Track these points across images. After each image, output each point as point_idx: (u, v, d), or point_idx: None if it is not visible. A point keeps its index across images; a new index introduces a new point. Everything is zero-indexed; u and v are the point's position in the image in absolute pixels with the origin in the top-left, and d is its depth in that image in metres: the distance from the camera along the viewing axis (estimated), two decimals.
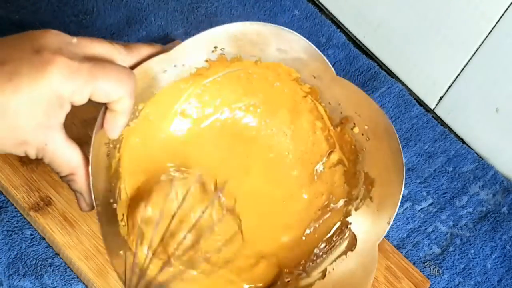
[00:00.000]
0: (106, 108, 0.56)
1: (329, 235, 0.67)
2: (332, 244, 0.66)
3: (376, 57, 0.96)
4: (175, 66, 0.62)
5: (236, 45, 0.63)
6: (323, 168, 0.69)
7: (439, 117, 0.93)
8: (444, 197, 0.85)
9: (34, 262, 0.67)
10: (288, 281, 0.65)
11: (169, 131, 0.68)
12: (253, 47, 0.63)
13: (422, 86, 0.93)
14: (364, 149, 0.66)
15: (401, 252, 0.79)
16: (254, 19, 0.94)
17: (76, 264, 0.66)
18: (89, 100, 0.55)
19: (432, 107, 0.93)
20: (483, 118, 0.89)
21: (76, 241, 0.67)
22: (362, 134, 0.66)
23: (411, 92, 0.94)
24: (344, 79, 0.65)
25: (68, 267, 0.67)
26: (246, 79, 0.68)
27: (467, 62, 0.87)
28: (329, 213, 0.68)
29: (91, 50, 0.54)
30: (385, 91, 0.92)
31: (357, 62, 0.94)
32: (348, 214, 0.67)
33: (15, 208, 0.69)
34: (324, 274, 0.65)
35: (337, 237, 0.66)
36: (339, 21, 0.97)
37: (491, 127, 0.88)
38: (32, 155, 0.54)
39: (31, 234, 0.68)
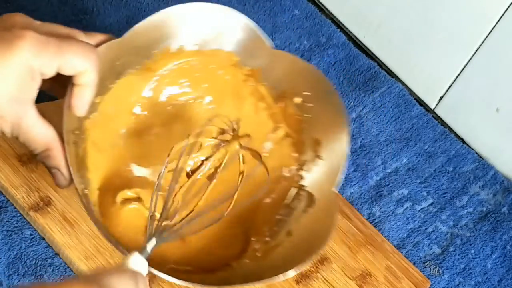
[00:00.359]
0: (73, 85, 0.59)
1: (287, 201, 0.69)
2: (292, 207, 0.69)
3: (376, 57, 0.96)
4: (126, 56, 0.65)
5: (178, 31, 0.66)
6: (272, 145, 0.71)
7: (439, 117, 0.93)
8: (444, 197, 0.85)
9: (34, 262, 0.67)
10: (258, 248, 0.67)
11: (127, 125, 0.69)
12: (194, 31, 0.67)
13: (422, 86, 0.93)
14: (308, 115, 0.69)
15: (401, 252, 0.79)
16: (254, 19, 0.93)
17: (76, 264, 0.66)
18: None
19: (432, 107, 0.93)
20: (483, 118, 0.88)
21: (76, 241, 0.67)
22: (305, 102, 0.68)
23: (411, 92, 0.94)
24: (280, 51, 0.68)
25: (68, 267, 0.67)
26: (190, 70, 0.70)
27: (467, 62, 0.87)
28: (283, 182, 0.70)
29: (55, 30, 0.58)
30: (385, 91, 0.92)
31: (357, 62, 0.94)
32: (301, 178, 0.69)
33: (15, 208, 0.69)
34: (289, 233, 0.67)
35: (295, 200, 0.69)
36: (339, 21, 0.97)
37: (491, 127, 0.88)
38: (8, 132, 0.56)
39: (31, 234, 0.68)
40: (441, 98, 0.92)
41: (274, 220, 0.69)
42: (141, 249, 0.57)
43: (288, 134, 0.70)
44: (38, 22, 0.57)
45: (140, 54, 0.66)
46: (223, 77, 0.70)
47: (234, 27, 0.68)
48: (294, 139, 0.70)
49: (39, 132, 0.58)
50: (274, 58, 0.68)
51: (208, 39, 0.68)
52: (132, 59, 0.66)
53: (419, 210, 0.83)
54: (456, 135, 0.92)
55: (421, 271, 0.78)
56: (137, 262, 0.54)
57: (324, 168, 0.68)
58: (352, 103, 0.90)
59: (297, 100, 0.69)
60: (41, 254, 0.67)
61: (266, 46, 0.68)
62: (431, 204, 0.84)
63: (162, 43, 0.66)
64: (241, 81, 0.70)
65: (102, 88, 0.64)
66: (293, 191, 0.70)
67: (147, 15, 0.88)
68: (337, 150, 0.67)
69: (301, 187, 0.69)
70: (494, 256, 0.82)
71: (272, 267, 0.63)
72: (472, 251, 0.82)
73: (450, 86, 0.90)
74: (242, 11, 0.93)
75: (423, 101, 0.93)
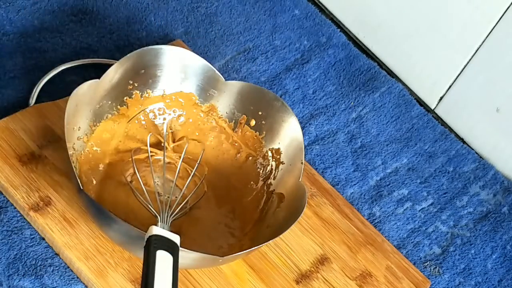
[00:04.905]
0: None
1: (260, 206, 0.74)
2: (266, 209, 0.74)
3: (376, 57, 0.96)
4: (104, 100, 0.71)
5: (144, 78, 0.73)
6: (237, 167, 0.77)
7: (439, 117, 0.93)
8: (444, 197, 0.85)
9: (34, 262, 0.67)
10: (244, 243, 0.72)
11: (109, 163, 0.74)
12: (160, 76, 0.74)
13: (423, 86, 0.93)
14: (264, 132, 0.75)
15: (402, 252, 0.79)
16: (254, 19, 0.94)
17: (76, 264, 0.66)
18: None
19: (432, 107, 0.93)
20: (483, 118, 0.88)
21: (76, 241, 0.67)
22: (259, 122, 0.75)
23: (412, 92, 0.94)
24: (230, 81, 0.75)
25: (68, 267, 0.67)
26: (158, 116, 0.76)
27: (467, 62, 0.87)
28: (254, 192, 0.75)
29: None
30: (385, 91, 0.92)
31: (357, 62, 0.94)
32: (269, 186, 0.74)
33: (15, 208, 0.69)
34: (268, 226, 0.71)
35: (267, 203, 0.74)
36: (340, 21, 0.97)
37: (491, 127, 0.88)
38: None
39: (31, 234, 0.68)
40: (441, 98, 0.92)
41: (252, 222, 0.74)
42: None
43: (250, 154, 0.77)
44: None
45: (116, 100, 0.73)
46: (187, 119, 0.77)
47: (193, 68, 0.74)
48: (256, 157, 0.76)
49: None
50: (226, 89, 0.75)
51: (172, 82, 0.75)
52: (109, 104, 0.72)
53: (419, 210, 0.83)
54: (456, 135, 0.92)
55: (421, 271, 0.78)
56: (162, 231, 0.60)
57: (286, 169, 0.74)
58: (352, 103, 0.90)
59: (252, 122, 0.76)
60: (41, 254, 0.67)
61: (219, 78, 0.74)
62: (431, 204, 0.84)
63: (132, 90, 0.74)
64: (202, 120, 0.77)
65: (88, 130, 0.71)
66: (264, 197, 0.75)
67: (147, 15, 0.89)
68: (295, 149, 0.73)
69: (271, 192, 0.74)
70: (494, 256, 0.82)
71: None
72: (472, 251, 0.82)
73: (450, 86, 0.90)
74: (242, 11, 0.94)
75: (423, 101, 0.93)
